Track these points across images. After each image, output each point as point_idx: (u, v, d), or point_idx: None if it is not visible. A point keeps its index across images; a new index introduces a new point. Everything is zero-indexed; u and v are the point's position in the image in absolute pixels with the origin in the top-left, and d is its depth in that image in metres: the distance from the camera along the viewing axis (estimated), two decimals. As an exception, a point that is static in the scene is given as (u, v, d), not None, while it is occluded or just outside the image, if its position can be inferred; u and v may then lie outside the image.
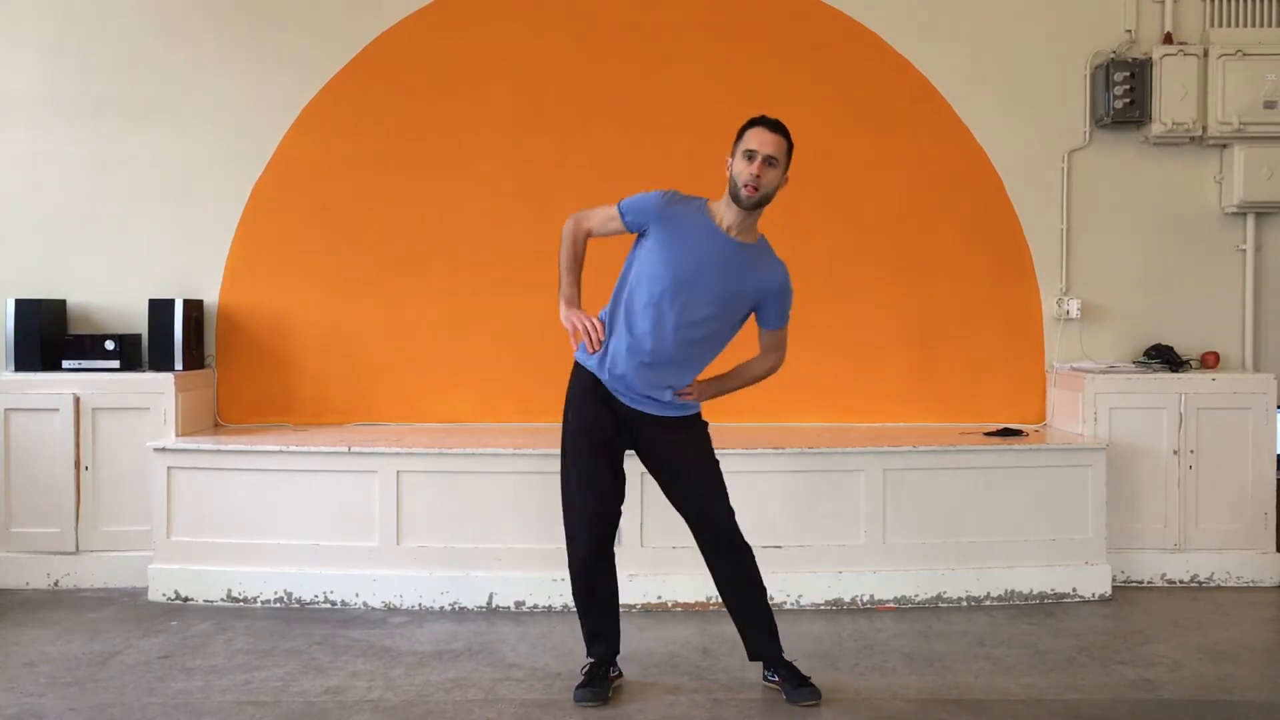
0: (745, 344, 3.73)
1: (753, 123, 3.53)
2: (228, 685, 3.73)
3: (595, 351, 3.55)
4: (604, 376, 3.57)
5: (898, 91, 5.34)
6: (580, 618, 3.73)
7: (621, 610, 3.77)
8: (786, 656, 3.68)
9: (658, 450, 3.64)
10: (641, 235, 3.59)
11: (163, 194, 5.31)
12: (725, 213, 3.53)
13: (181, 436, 4.92)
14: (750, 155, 3.45)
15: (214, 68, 5.30)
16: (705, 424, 3.71)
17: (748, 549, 3.64)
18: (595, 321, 3.56)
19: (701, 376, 3.67)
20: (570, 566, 3.66)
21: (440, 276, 5.33)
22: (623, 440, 3.64)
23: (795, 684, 3.58)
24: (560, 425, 3.68)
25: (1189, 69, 5.18)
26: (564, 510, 3.66)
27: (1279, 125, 5.18)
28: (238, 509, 4.69)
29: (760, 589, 3.68)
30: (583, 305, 3.62)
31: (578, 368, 3.65)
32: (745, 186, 3.45)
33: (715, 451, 3.69)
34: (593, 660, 3.67)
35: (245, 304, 5.32)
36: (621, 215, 3.59)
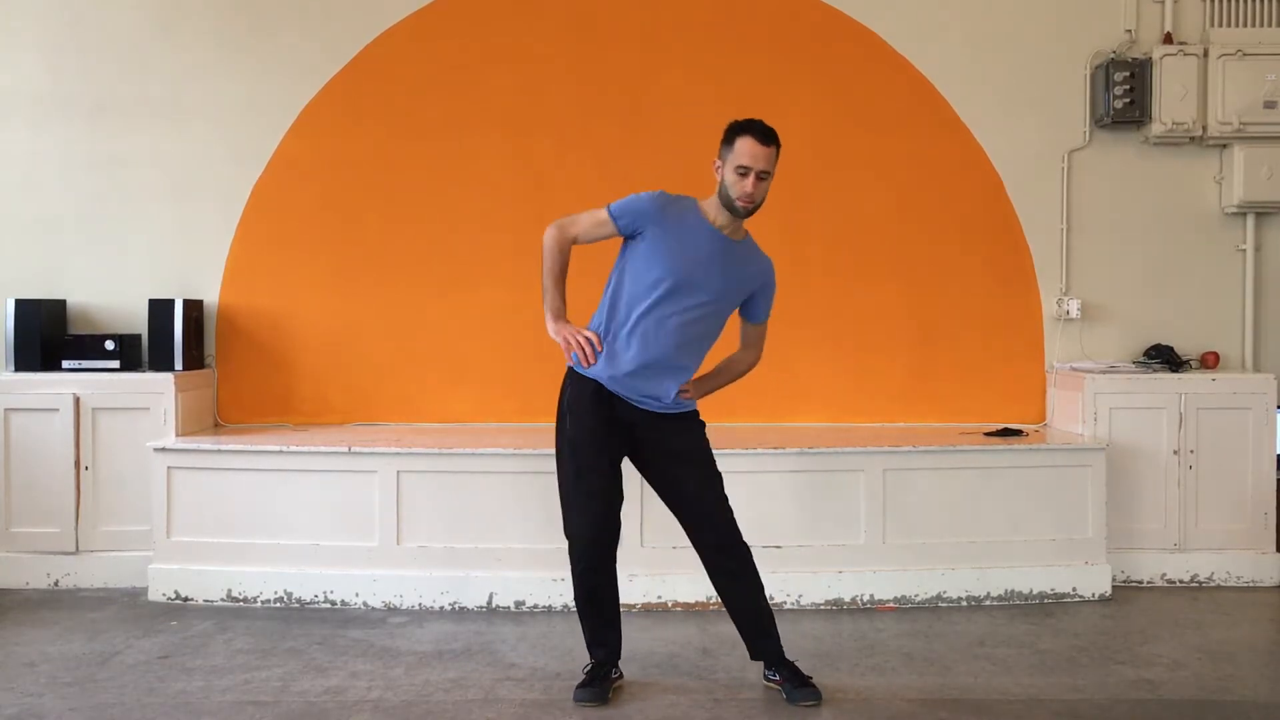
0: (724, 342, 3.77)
1: (743, 130, 3.49)
2: (228, 685, 3.73)
3: (591, 365, 3.55)
4: (605, 380, 3.56)
5: (897, 91, 5.34)
6: (582, 622, 3.72)
7: (622, 610, 3.76)
8: (788, 656, 3.67)
9: (658, 448, 3.63)
10: (630, 239, 3.58)
11: (163, 194, 5.31)
12: (716, 213, 3.56)
13: (181, 436, 4.92)
14: (744, 172, 3.45)
15: (214, 68, 5.30)
16: (703, 423, 3.72)
17: (746, 549, 3.64)
18: (590, 334, 3.56)
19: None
20: (573, 573, 3.65)
21: (440, 276, 5.33)
22: (623, 442, 3.63)
23: (796, 684, 3.58)
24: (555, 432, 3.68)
25: (1189, 69, 5.18)
26: (565, 517, 3.64)
27: (1279, 125, 5.18)
28: (238, 509, 4.69)
29: (759, 588, 3.68)
30: (569, 315, 3.62)
31: (573, 375, 3.63)
32: (740, 200, 3.47)
33: (715, 452, 3.70)
34: (594, 661, 3.67)
35: (245, 304, 5.32)
36: (614, 219, 3.56)
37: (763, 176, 3.47)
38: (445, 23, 5.32)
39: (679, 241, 3.51)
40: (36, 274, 5.27)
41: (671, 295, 3.50)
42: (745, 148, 3.46)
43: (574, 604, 3.71)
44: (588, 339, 3.55)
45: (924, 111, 5.33)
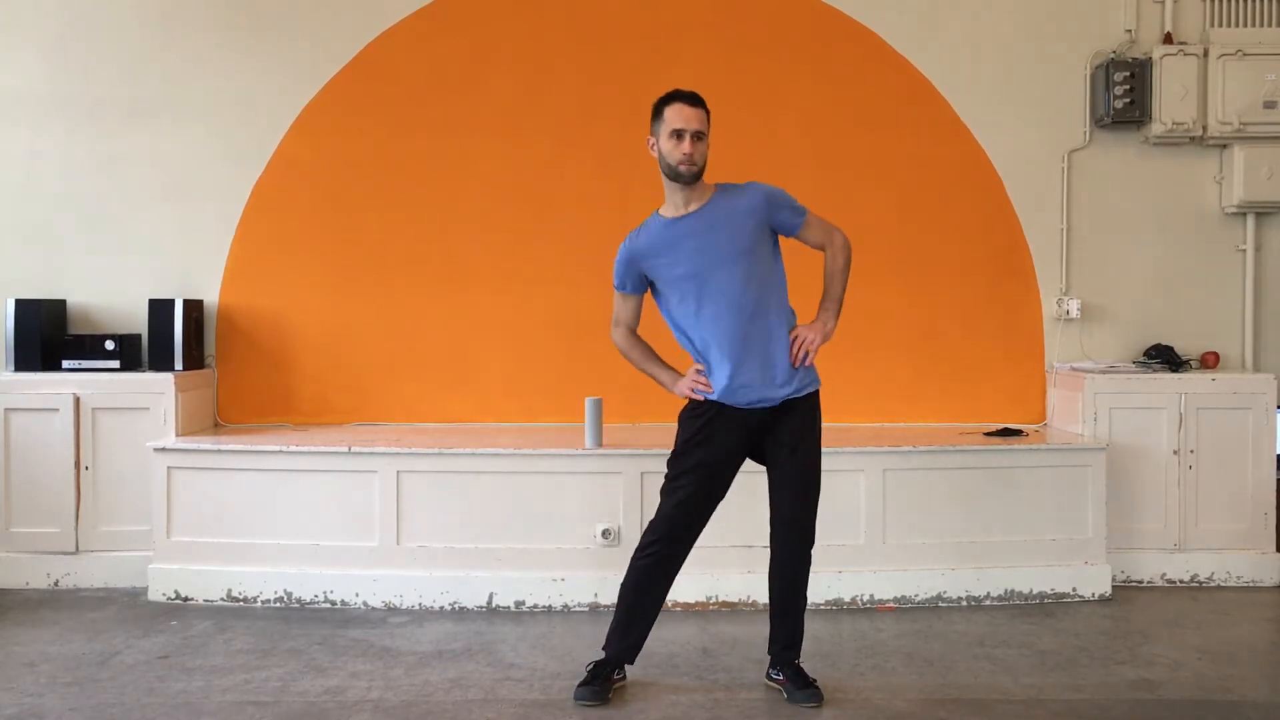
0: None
1: (670, 99, 3.55)
2: (228, 685, 3.73)
3: (711, 391, 3.56)
4: (724, 398, 3.55)
5: (897, 91, 5.34)
6: (618, 613, 3.67)
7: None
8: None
9: (775, 442, 3.60)
10: (651, 286, 3.65)
11: (163, 194, 5.31)
12: (674, 196, 3.57)
13: (181, 436, 4.92)
14: (679, 135, 3.49)
15: (214, 67, 5.30)
16: (818, 408, 3.66)
17: (810, 549, 3.64)
18: (697, 366, 3.59)
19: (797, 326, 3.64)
20: (632, 559, 3.63)
21: (440, 276, 5.33)
22: (738, 452, 3.61)
23: (798, 685, 3.59)
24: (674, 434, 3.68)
25: (1189, 69, 5.18)
26: (656, 513, 3.64)
27: (1279, 125, 5.18)
28: (238, 509, 4.69)
29: (805, 590, 3.67)
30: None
31: (694, 402, 3.63)
32: (680, 164, 3.49)
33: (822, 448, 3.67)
34: (599, 660, 3.66)
35: (245, 304, 5.32)
36: (620, 289, 3.68)
37: (698, 137, 3.49)
38: (445, 23, 5.32)
39: (664, 255, 3.55)
40: (36, 274, 5.27)
41: (698, 295, 3.51)
42: (676, 113, 3.50)
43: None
44: (699, 370, 3.58)
45: (924, 111, 5.33)
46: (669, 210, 3.59)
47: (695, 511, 3.60)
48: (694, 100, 3.54)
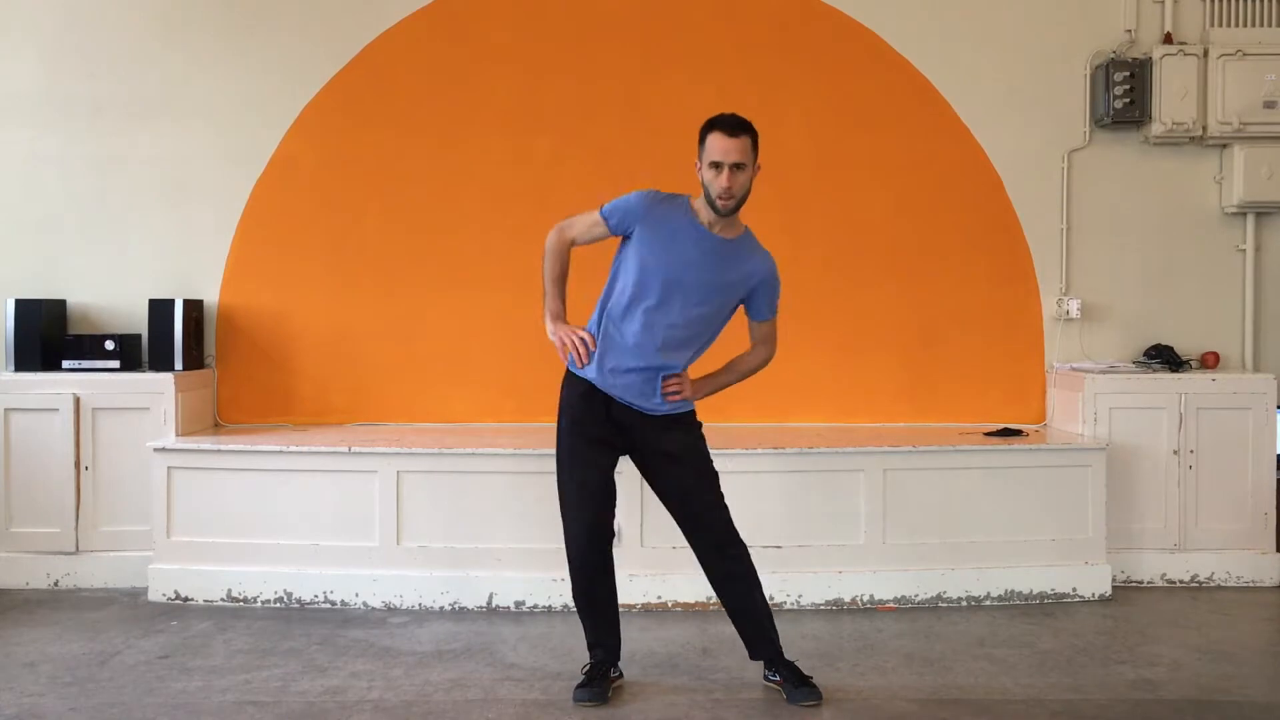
0: (734, 339, 3.74)
1: (710, 126, 3.49)
2: (228, 685, 3.73)
3: (585, 365, 3.56)
4: (597, 379, 3.57)
5: (898, 91, 5.34)
6: (581, 622, 3.73)
7: (621, 610, 3.77)
8: (788, 656, 3.67)
9: (653, 450, 3.64)
10: (626, 238, 3.59)
11: (163, 194, 5.31)
12: (706, 212, 3.54)
13: (181, 436, 4.92)
14: (717, 167, 3.43)
15: (214, 68, 5.30)
16: (699, 424, 3.71)
17: (743, 549, 3.65)
18: (585, 335, 3.57)
19: (694, 374, 3.68)
20: (570, 572, 3.67)
21: (440, 276, 5.32)
22: (618, 444, 3.64)
23: (796, 684, 3.58)
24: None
25: (1189, 69, 5.18)
26: (562, 517, 3.66)
27: (1279, 125, 5.18)
28: (238, 509, 4.69)
29: (757, 588, 3.67)
30: (569, 316, 3.64)
31: (569, 375, 3.66)
32: (719, 198, 3.45)
33: (712, 452, 3.69)
34: (593, 661, 3.67)
35: (245, 304, 5.32)
36: (605, 219, 3.59)
37: (738, 169, 3.44)
38: (445, 23, 5.32)
39: (666, 241, 3.51)
40: (36, 274, 5.27)
41: (658, 296, 3.49)
42: (714, 144, 3.45)
43: (573, 604, 3.72)
44: (582, 339, 3.56)
45: (924, 111, 5.33)
46: (701, 213, 3.54)
47: (602, 506, 3.61)
48: (734, 129, 3.45)
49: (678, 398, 3.61)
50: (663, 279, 3.49)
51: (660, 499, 3.70)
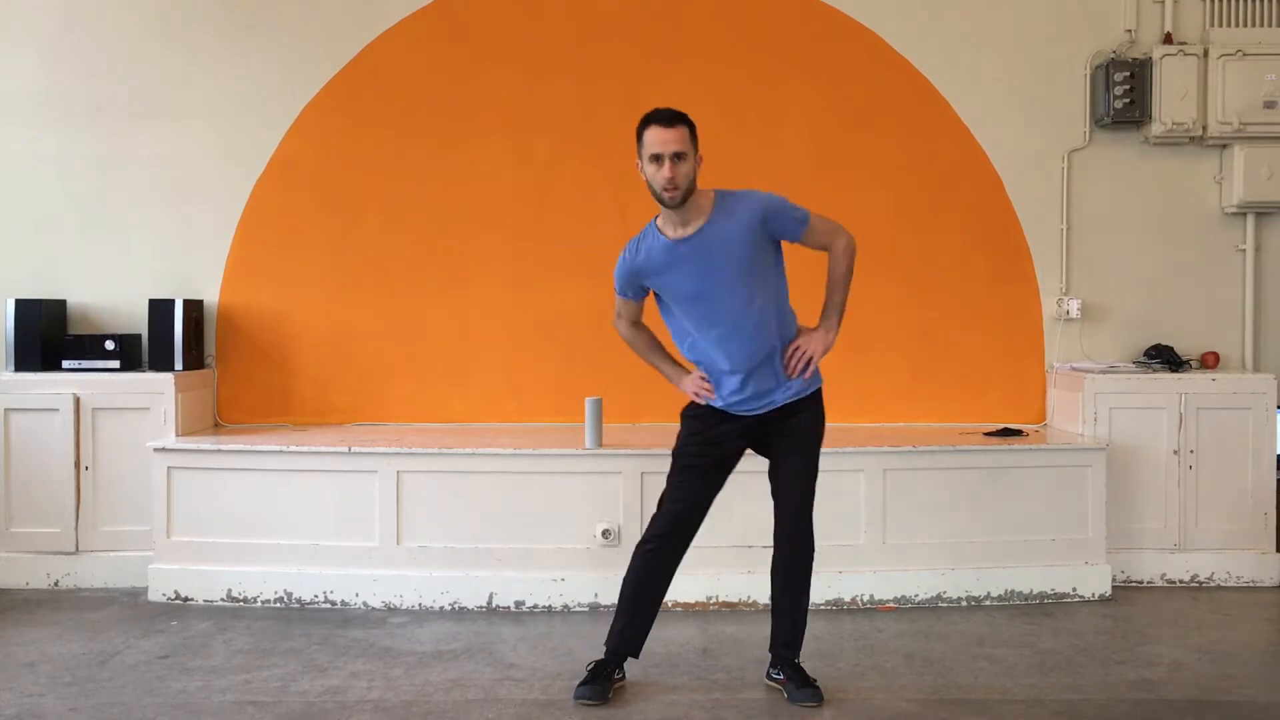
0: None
1: (646, 121, 3.43)
2: (228, 685, 3.73)
3: (714, 399, 3.58)
4: (722, 404, 3.58)
5: (898, 91, 5.34)
6: (617, 611, 3.69)
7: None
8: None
9: (775, 436, 3.62)
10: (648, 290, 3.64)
11: (163, 194, 5.31)
12: (669, 217, 3.49)
13: (181, 436, 4.92)
14: (657, 159, 3.38)
15: (214, 68, 5.30)
16: (822, 407, 3.66)
17: (811, 546, 3.65)
18: (699, 374, 3.60)
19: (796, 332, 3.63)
20: (633, 559, 3.66)
21: (440, 276, 5.32)
22: (742, 445, 3.63)
23: (799, 684, 3.58)
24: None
25: (1189, 69, 5.18)
26: (656, 508, 3.68)
27: (1279, 125, 5.18)
28: (238, 509, 4.69)
29: (806, 587, 3.68)
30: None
31: (692, 404, 3.67)
32: (664, 190, 3.39)
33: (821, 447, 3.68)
34: (599, 660, 3.66)
35: (245, 304, 5.32)
36: (621, 295, 3.66)
37: (679, 158, 3.38)
38: (445, 23, 5.32)
39: (666, 276, 3.51)
40: (36, 274, 5.27)
41: (701, 313, 3.49)
42: (652, 137, 3.39)
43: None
44: (703, 378, 3.59)
45: (924, 111, 5.33)
46: (669, 229, 3.49)
47: (694, 507, 3.62)
48: (670, 120, 3.40)
49: (804, 361, 3.54)
50: (692, 303, 3.49)
51: (771, 473, 3.67)
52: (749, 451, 3.67)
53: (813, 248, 3.63)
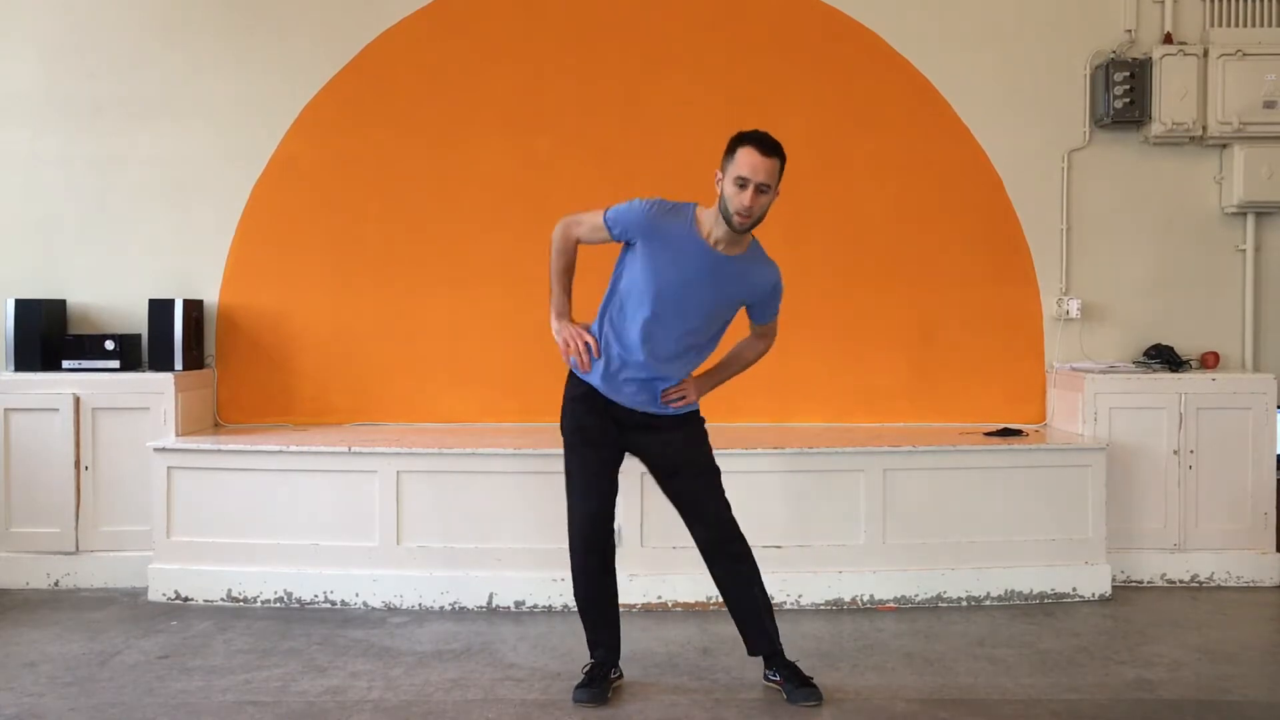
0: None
1: (744, 140, 3.39)
2: (228, 685, 3.73)
3: (587, 370, 3.56)
4: (599, 384, 3.57)
5: (898, 91, 5.34)
6: (582, 620, 3.74)
7: (621, 610, 3.77)
8: (788, 656, 3.67)
9: (655, 450, 3.65)
10: (629, 244, 3.55)
11: (163, 194, 5.31)
12: (714, 226, 3.45)
13: (181, 436, 4.92)
14: (742, 183, 3.35)
15: (214, 68, 5.30)
16: (702, 421, 3.71)
17: (745, 548, 3.65)
18: (589, 339, 3.54)
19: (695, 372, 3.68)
20: (571, 570, 3.68)
21: (440, 276, 5.32)
22: (619, 444, 3.64)
23: (796, 684, 3.58)
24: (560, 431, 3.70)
25: (1189, 69, 5.18)
26: (567, 513, 3.67)
27: (1279, 125, 5.18)
28: (238, 509, 4.69)
29: (755, 584, 3.67)
30: (573, 314, 3.63)
31: (572, 375, 3.66)
32: (738, 214, 3.37)
33: (714, 450, 3.70)
34: (594, 660, 3.67)
35: (245, 304, 5.32)
36: (608, 226, 3.54)
37: (762, 190, 3.36)
38: (445, 23, 5.32)
39: (668, 257, 3.47)
40: (36, 274, 5.27)
41: (655, 308, 3.47)
42: (745, 158, 3.36)
43: (573, 603, 3.73)
44: (586, 344, 3.53)
45: (924, 111, 5.33)
46: (706, 229, 3.46)
47: (599, 505, 3.62)
48: (769, 149, 3.36)
49: (682, 404, 3.60)
50: (662, 295, 3.46)
51: (665, 495, 3.70)
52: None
53: (752, 328, 3.73)
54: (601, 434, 3.60)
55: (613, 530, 3.68)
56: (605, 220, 3.55)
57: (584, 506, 3.61)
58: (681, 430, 3.64)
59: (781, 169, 3.43)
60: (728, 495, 3.67)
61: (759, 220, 3.43)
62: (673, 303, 3.47)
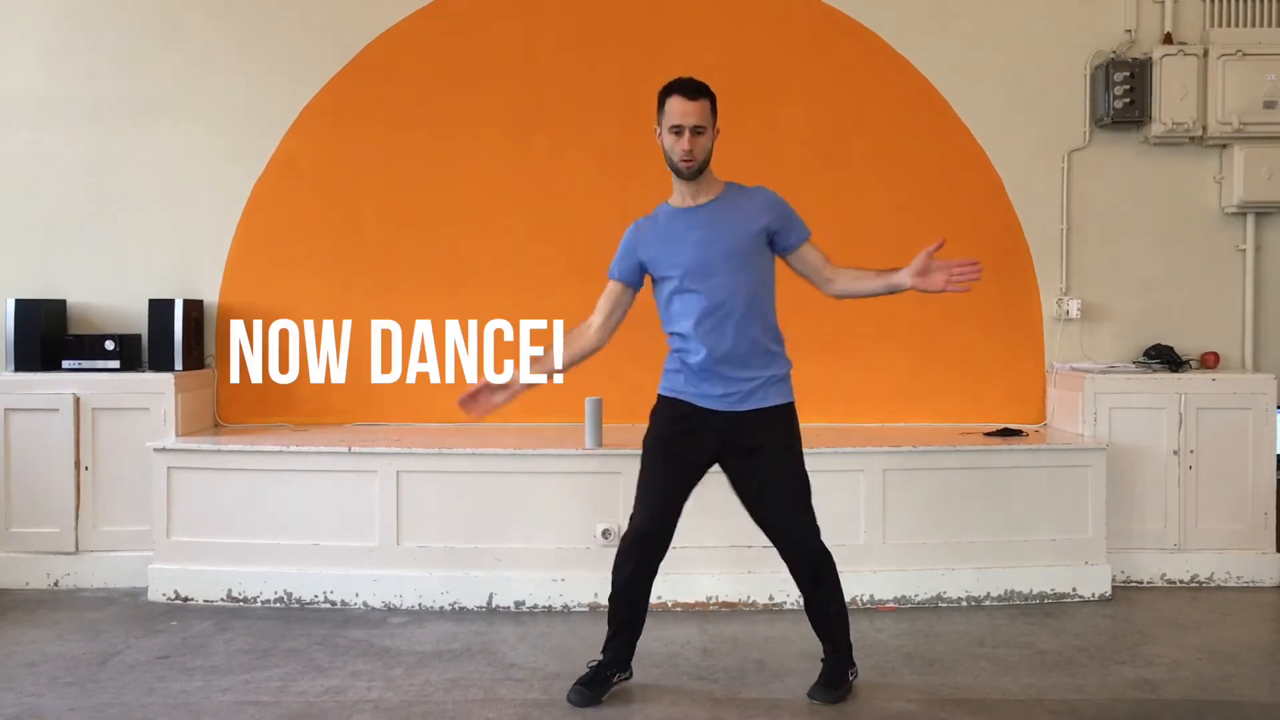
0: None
1: (670, 90, 3.47)
2: (228, 685, 3.73)
3: (474, 417, 3.66)
4: (689, 393, 3.53)
5: (898, 91, 5.34)
6: (609, 616, 3.67)
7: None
8: (789, 653, 3.67)
9: (740, 448, 3.54)
10: (645, 272, 3.60)
11: (163, 194, 5.31)
12: (681, 188, 3.54)
13: (181, 436, 4.92)
14: (677, 130, 3.43)
15: (214, 68, 5.30)
16: (794, 419, 3.60)
17: (819, 555, 3.56)
18: (485, 390, 3.71)
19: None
20: (614, 565, 3.63)
21: (440, 276, 5.32)
22: (701, 454, 3.55)
23: (824, 683, 3.59)
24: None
25: (1189, 69, 5.18)
26: (629, 518, 3.63)
27: (1279, 125, 5.18)
28: (238, 509, 4.69)
29: (835, 604, 3.61)
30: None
31: (661, 399, 3.62)
32: (682, 161, 3.45)
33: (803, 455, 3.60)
34: (600, 659, 3.65)
35: (245, 304, 5.32)
36: (613, 276, 3.64)
37: (698, 131, 3.43)
38: (445, 22, 5.32)
39: (665, 243, 3.53)
40: (36, 274, 5.27)
41: (689, 286, 3.47)
42: (674, 106, 3.44)
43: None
44: (476, 397, 3.72)
45: (924, 112, 5.33)
46: (677, 200, 3.57)
47: (659, 516, 3.55)
48: (693, 92, 3.45)
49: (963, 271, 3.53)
50: (686, 270, 3.48)
51: (753, 520, 3.61)
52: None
53: (800, 270, 3.62)
54: (682, 443, 3.53)
55: (659, 548, 3.58)
56: (610, 276, 3.65)
57: (635, 517, 3.57)
58: (775, 427, 3.53)
59: (713, 107, 3.49)
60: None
61: (705, 161, 3.48)
62: (695, 268, 3.47)
